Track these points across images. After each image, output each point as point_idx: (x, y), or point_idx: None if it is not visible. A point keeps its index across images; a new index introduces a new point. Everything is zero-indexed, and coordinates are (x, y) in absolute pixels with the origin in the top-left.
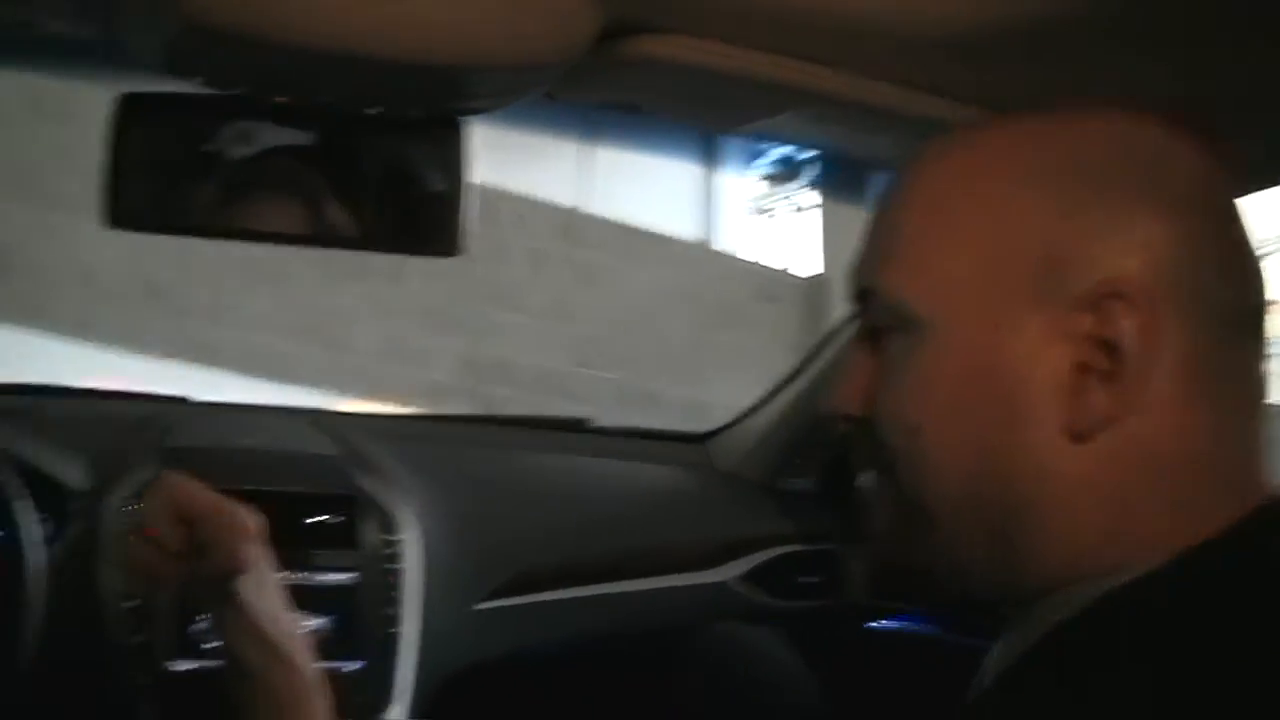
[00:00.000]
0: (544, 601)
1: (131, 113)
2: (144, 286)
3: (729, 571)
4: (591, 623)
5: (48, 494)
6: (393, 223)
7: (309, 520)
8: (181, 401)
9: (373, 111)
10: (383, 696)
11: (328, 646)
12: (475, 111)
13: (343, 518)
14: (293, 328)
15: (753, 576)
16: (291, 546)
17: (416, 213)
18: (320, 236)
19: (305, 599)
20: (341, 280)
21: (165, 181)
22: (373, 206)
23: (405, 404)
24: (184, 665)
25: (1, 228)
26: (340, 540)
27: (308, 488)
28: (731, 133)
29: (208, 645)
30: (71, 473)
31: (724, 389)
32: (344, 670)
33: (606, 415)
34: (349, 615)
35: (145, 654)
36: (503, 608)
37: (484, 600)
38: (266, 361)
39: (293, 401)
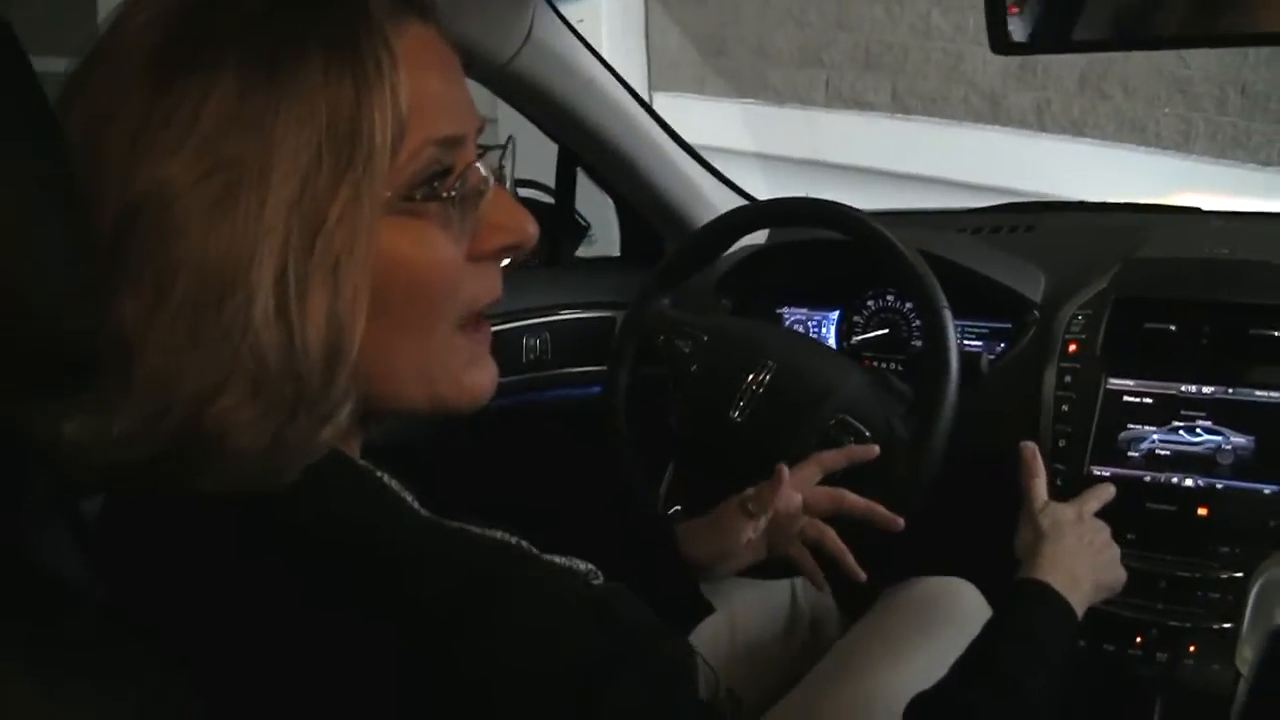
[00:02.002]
0: None
1: None
2: (1239, 91)
3: None
4: None
5: (1008, 304)
6: None
7: (1253, 332)
8: (1195, 212)
9: None
10: None
11: (1247, 467)
12: None
13: None
14: None
15: None
16: (1228, 360)
17: None
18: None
19: (1233, 416)
20: None
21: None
22: None
23: None
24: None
25: None
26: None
27: (1261, 298)
28: None
29: (1133, 454)
30: (1030, 284)
31: None
32: (1263, 492)
33: None
34: (1276, 435)
35: (1067, 454)
36: None
37: None
38: None
39: None
